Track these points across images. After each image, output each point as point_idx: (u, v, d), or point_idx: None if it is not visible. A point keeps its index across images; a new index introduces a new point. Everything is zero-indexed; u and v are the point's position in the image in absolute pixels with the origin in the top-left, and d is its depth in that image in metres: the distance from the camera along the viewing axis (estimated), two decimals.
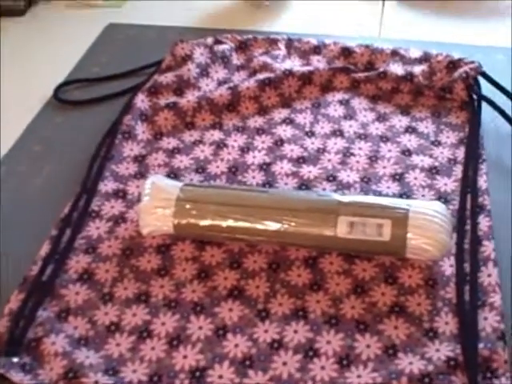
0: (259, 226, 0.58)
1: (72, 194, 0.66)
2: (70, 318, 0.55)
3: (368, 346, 0.52)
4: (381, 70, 0.78)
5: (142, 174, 0.69)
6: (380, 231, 0.55)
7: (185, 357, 0.52)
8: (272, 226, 0.57)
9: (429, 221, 0.55)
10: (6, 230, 0.64)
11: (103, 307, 0.56)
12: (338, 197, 0.58)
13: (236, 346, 0.53)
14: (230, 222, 0.58)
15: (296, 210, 0.57)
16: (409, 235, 0.55)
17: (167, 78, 0.78)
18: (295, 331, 0.53)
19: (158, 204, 0.59)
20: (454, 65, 0.76)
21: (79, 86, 0.83)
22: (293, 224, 0.57)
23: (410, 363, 0.50)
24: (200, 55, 0.80)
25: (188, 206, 0.59)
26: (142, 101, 0.75)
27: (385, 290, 0.56)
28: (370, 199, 0.58)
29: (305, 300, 0.56)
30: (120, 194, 0.66)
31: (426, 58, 0.78)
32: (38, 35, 0.95)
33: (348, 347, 0.52)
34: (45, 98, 0.81)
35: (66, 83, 0.83)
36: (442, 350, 0.51)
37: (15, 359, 0.51)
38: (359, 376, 0.50)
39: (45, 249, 0.61)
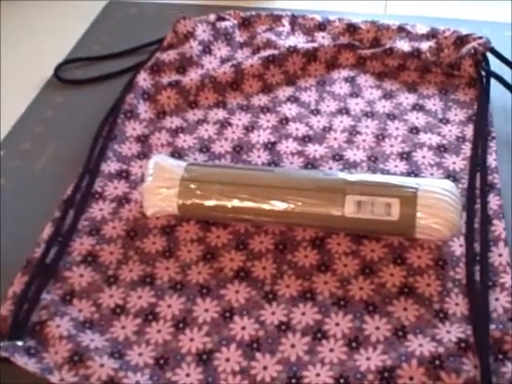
0: (265, 206, 0.57)
1: (74, 175, 0.65)
2: (75, 300, 0.55)
3: (377, 328, 0.51)
4: (387, 46, 0.76)
5: (145, 154, 0.68)
6: (388, 210, 0.54)
7: (191, 339, 0.51)
8: (278, 205, 0.56)
9: (438, 200, 0.54)
10: (8, 213, 0.63)
11: (108, 290, 0.55)
12: (345, 176, 0.57)
13: (243, 328, 0.52)
14: (236, 202, 0.57)
15: (302, 189, 0.56)
16: (418, 214, 0.54)
17: (169, 55, 0.76)
18: (303, 313, 0.53)
19: (162, 184, 0.58)
20: (461, 41, 0.74)
21: (80, 64, 0.82)
22: (299, 204, 0.56)
23: (420, 345, 0.49)
24: (202, 32, 0.78)
25: (193, 186, 0.58)
26: (144, 79, 0.74)
27: (393, 271, 0.55)
28: (378, 178, 0.57)
29: (312, 281, 0.55)
30: (123, 175, 0.65)
31: (433, 34, 0.77)
32: (37, 14, 0.94)
33: (357, 329, 0.51)
34: (45, 77, 0.80)
35: (66, 62, 0.82)
36: (452, 332, 0.50)
37: (19, 343, 0.50)
38: (368, 358, 0.49)
39: (47, 231, 0.60)
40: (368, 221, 0.55)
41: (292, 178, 0.58)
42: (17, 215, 0.63)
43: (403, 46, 0.76)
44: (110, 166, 0.66)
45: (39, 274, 0.56)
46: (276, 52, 0.76)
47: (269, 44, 0.78)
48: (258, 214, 0.57)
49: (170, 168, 0.59)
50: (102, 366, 0.49)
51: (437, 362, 0.47)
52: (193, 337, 0.52)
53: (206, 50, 0.78)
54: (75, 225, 0.60)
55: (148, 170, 0.59)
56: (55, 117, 0.74)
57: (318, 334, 0.51)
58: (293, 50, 0.76)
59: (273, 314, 0.53)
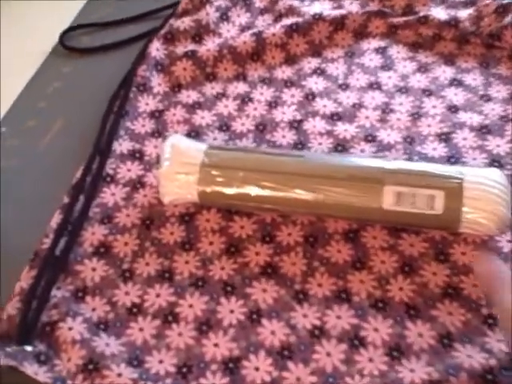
0: (294, 196, 0.51)
1: (83, 155, 0.60)
2: (87, 298, 0.50)
3: (420, 335, 0.46)
4: (421, 14, 0.70)
5: (159, 132, 0.62)
6: (432, 204, 0.49)
7: (216, 345, 0.47)
8: (308, 195, 0.51)
9: (486, 192, 0.49)
10: (10, 198, 0.58)
11: (123, 286, 0.51)
12: (381, 163, 0.52)
13: (272, 333, 0.47)
14: (261, 191, 0.52)
15: (336, 178, 0.51)
16: (464, 209, 0.49)
17: (184, 23, 0.70)
18: (338, 316, 0.48)
19: (180, 170, 0.53)
20: (504, 9, 0.67)
21: (87, 31, 0.76)
22: (332, 194, 0.51)
23: (469, 356, 0.45)
24: None
25: (214, 173, 0.53)
26: (157, 49, 0.68)
27: (436, 269, 0.50)
28: (419, 166, 0.52)
29: (347, 280, 0.50)
30: (136, 155, 0.60)
31: (472, 1, 0.70)
32: None
33: (398, 336, 0.47)
34: (49, 46, 0.74)
35: (72, 28, 0.75)
36: (504, 341, 0.45)
37: (29, 348, 0.46)
38: (412, 370, 0.44)
39: (56, 219, 0.55)
40: (408, 214, 0.50)
41: (323, 165, 0.53)
42: (20, 201, 0.58)
43: (439, 13, 0.69)
44: (122, 146, 0.61)
45: (48, 268, 0.51)
46: (300, 20, 0.70)
47: (292, 11, 0.72)
48: (286, 204, 0.52)
49: (188, 152, 0.54)
50: (119, 375, 0.45)
51: (489, 377, 0.43)
52: (217, 342, 0.47)
53: (224, 16, 0.71)
54: (86, 212, 0.56)
55: (164, 152, 0.54)
56: (61, 90, 0.69)
57: (355, 340, 0.47)
58: (318, 18, 0.70)
59: (305, 316, 0.48)
